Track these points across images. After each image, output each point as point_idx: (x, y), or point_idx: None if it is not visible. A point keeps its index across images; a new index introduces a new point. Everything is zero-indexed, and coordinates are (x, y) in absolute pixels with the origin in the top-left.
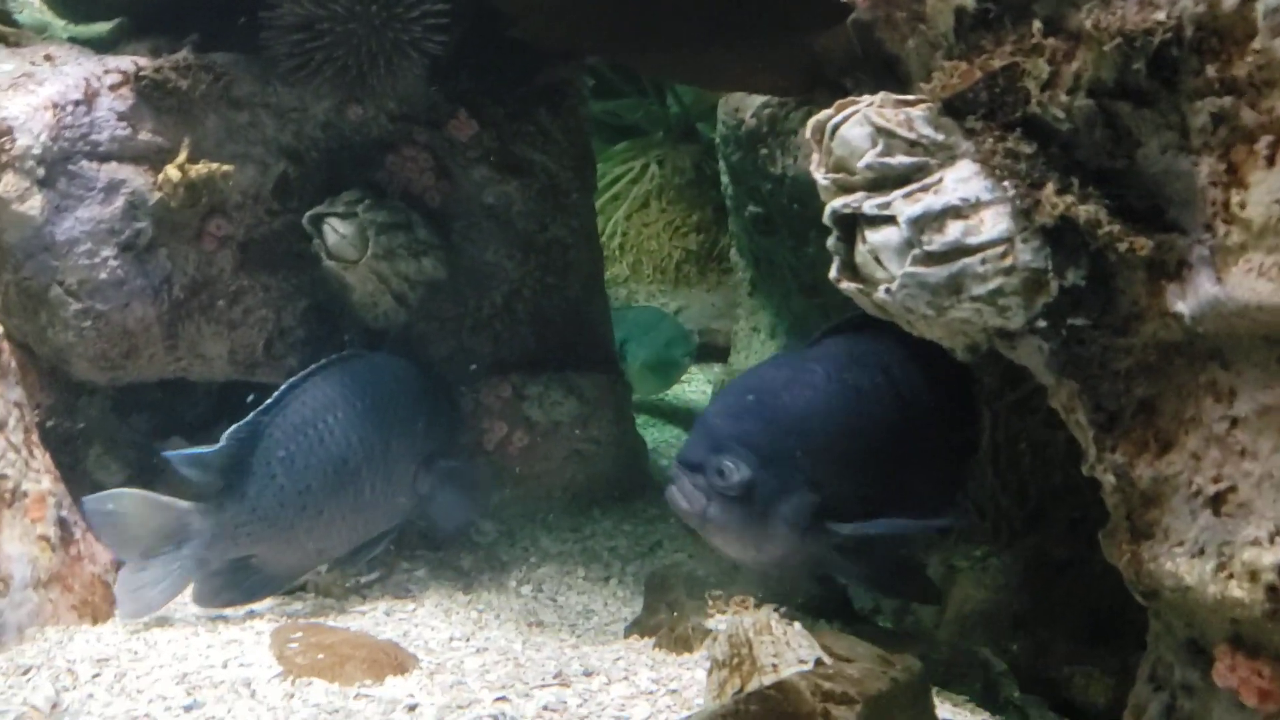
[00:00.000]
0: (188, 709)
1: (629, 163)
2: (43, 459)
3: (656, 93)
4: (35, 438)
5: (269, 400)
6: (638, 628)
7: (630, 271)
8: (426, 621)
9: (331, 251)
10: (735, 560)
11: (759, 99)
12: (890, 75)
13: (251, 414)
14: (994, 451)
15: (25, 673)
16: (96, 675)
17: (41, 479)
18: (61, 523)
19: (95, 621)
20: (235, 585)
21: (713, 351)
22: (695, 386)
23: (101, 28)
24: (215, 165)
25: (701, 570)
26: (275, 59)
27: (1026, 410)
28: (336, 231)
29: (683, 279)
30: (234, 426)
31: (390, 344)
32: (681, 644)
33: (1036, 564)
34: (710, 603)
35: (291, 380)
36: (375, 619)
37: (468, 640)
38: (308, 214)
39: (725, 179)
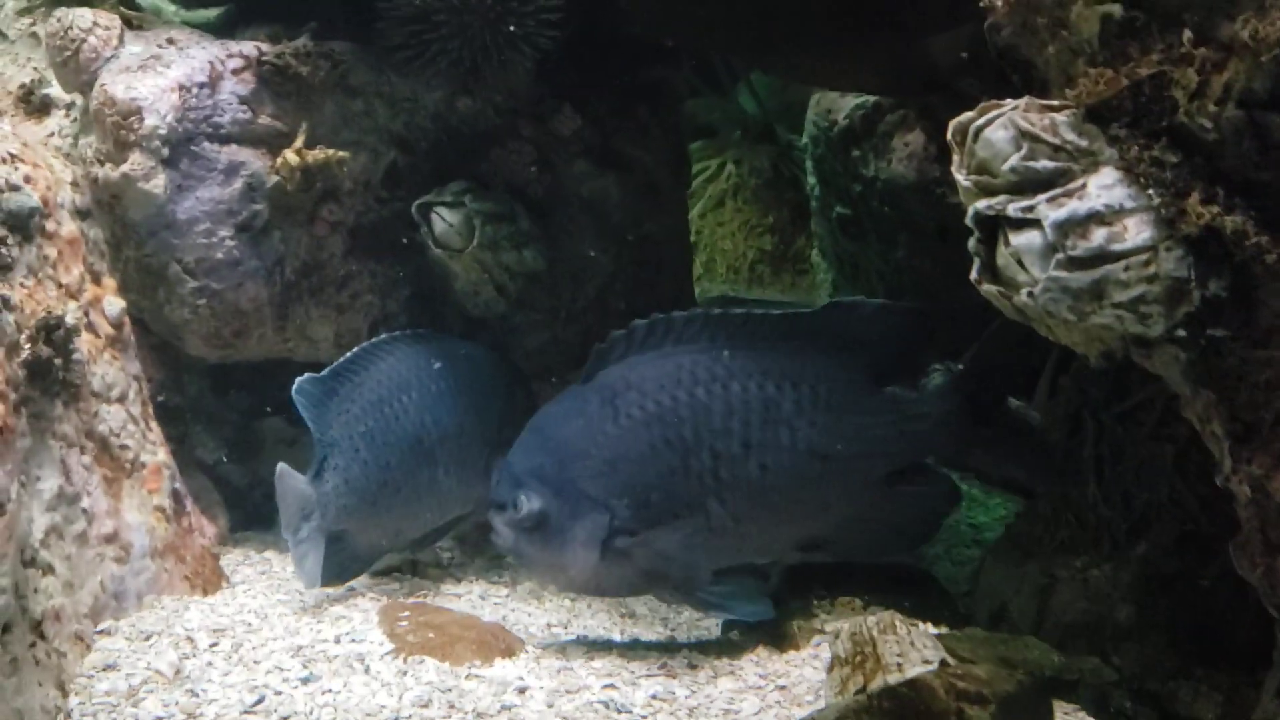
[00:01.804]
0: (305, 681)
1: (705, 162)
2: (158, 432)
3: (747, 90)
4: (150, 411)
5: (341, 360)
6: (736, 624)
7: (703, 270)
8: (521, 607)
9: (438, 240)
10: (557, 589)
11: (852, 100)
12: (1012, 81)
13: (325, 370)
14: (1097, 462)
15: (147, 639)
16: (214, 645)
17: (157, 451)
18: (174, 495)
19: (205, 593)
20: (332, 563)
21: None
22: None
23: (210, 13)
24: (331, 151)
25: (805, 569)
26: (390, 49)
27: (1133, 422)
28: (444, 220)
29: (756, 279)
30: (307, 375)
31: (488, 333)
32: (787, 642)
33: (1143, 576)
34: (815, 602)
35: (365, 345)
36: (471, 602)
37: (565, 627)
38: (416, 202)
39: (812, 179)
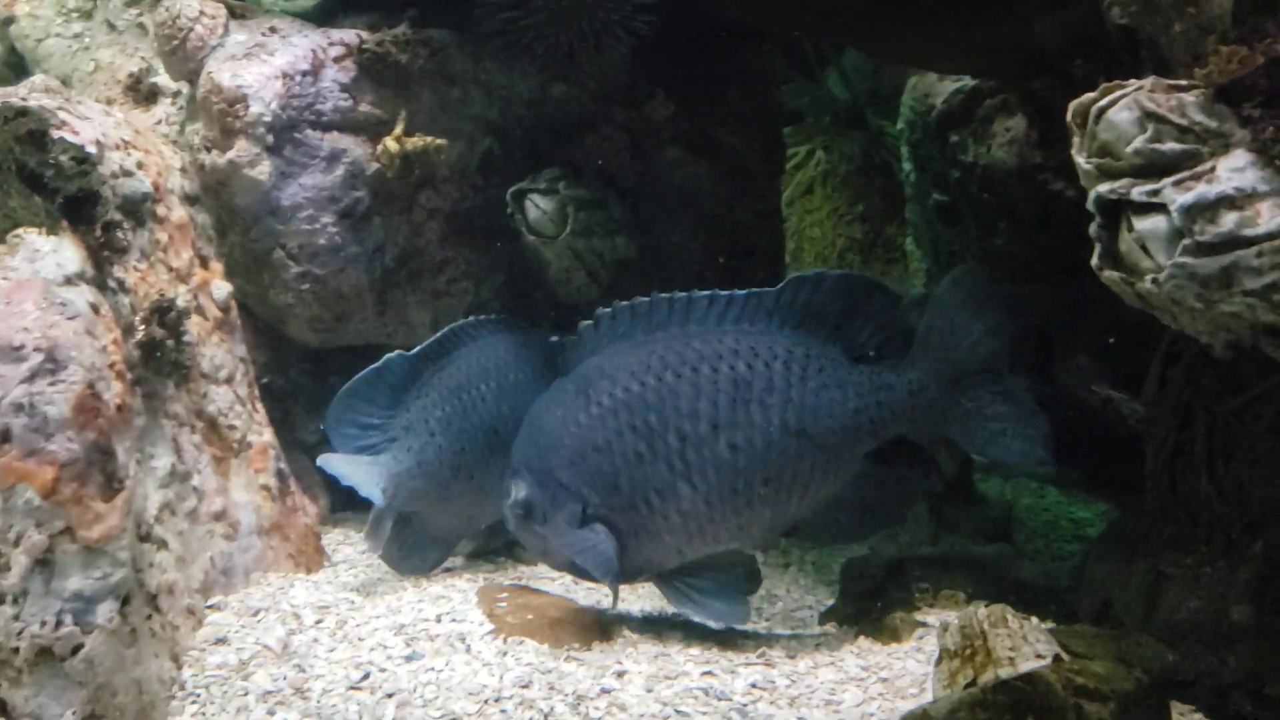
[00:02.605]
0: (408, 659)
1: (794, 148)
2: (263, 413)
3: (837, 74)
4: (256, 392)
5: (424, 345)
6: (834, 615)
7: (791, 259)
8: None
9: (532, 227)
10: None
11: (950, 84)
12: (1123, 61)
13: (414, 350)
14: (1209, 457)
15: (255, 614)
16: (319, 621)
17: (263, 431)
18: (279, 474)
19: (308, 571)
20: (408, 546)
21: None
22: None
23: (309, 1)
24: (430, 139)
25: (907, 562)
26: (487, 36)
27: (1249, 415)
28: (538, 207)
29: (845, 268)
30: (395, 354)
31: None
32: (889, 634)
33: (1260, 575)
34: (917, 595)
35: (448, 329)
36: (565, 585)
37: (660, 612)
38: (511, 189)
39: (908, 165)
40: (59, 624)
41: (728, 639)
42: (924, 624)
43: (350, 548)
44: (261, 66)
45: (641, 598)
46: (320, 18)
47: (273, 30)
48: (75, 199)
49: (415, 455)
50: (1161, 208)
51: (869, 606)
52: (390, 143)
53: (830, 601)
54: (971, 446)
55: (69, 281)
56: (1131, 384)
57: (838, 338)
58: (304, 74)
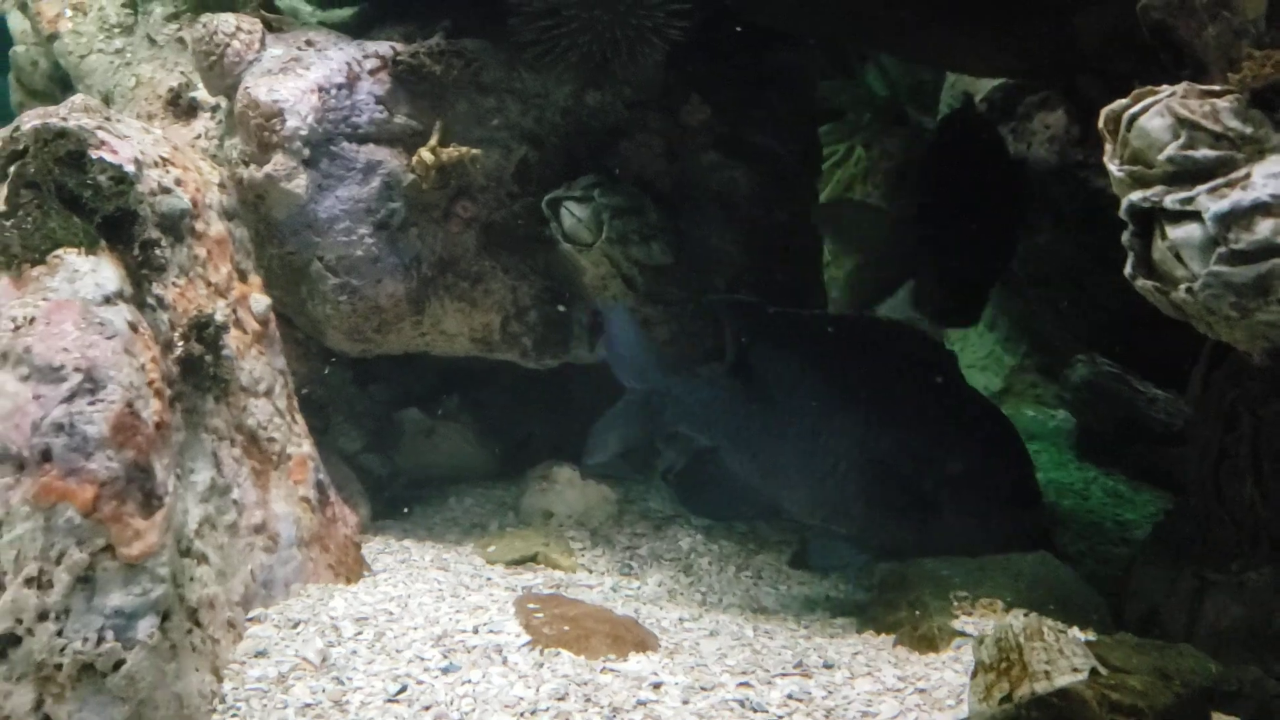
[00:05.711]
0: (445, 671)
1: (833, 146)
2: (302, 424)
3: (876, 71)
4: (295, 404)
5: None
6: (873, 624)
7: (831, 258)
8: (652, 601)
9: (568, 234)
10: None
11: (989, 82)
12: (1162, 60)
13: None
14: (1254, 461)
15: (295, 626)
16: (359, 634)
17: (302, 443)
18: (319, 485)
19: (349, 581)
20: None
21: None
22: None
23: (345, 12)
24: (465, 149)
25: (945, 570)
26: (521, 45)
27: None
28: (573, 215)
29: None
30: None
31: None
32: (926, 643)
33: None
34: (955, 604)
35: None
36: (603, 594)
37: (697, 621)
38: (547, 197)
39: None
40: (100, 640)
41: (764, 650)
42: (962, 633)
43: (390, 556)
44: (297, 81)
45: (680, 606)
46: (357, 29)
47: (309, 44)
48: (114, 218)
49: None
50: (1195, 216)
51: (907, 615)
52: (425, 153)
53: (868, 609)
54: None
55: (108, 301)
56: (1177, 384)
57: None
58: (339, 87)
